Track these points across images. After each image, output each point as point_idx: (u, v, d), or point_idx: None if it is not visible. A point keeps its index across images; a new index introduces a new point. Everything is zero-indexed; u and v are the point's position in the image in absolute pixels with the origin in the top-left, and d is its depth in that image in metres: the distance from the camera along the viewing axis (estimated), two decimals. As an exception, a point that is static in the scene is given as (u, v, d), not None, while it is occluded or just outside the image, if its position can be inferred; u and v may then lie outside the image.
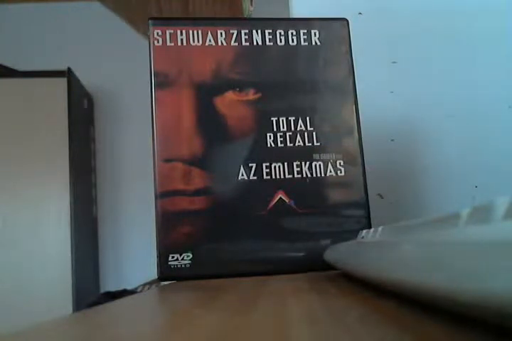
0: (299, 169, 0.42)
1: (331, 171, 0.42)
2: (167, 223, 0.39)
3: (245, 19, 0.60)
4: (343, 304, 0.19)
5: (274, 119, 0.42)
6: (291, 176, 0.41)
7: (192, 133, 0.41)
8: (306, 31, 0.44)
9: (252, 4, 1.17)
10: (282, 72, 0.43)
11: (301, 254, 0.40)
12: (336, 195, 0.42)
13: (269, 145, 0.42)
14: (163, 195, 0.40)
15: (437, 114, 0.61)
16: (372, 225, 0.42)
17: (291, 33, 0.44)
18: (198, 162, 0.41)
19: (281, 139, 0.42)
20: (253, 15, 1.20)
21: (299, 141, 0.42)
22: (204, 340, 0.13)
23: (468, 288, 0.10)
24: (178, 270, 0.39)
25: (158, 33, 0.42)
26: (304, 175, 0.42)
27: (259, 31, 0.44)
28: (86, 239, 1.98)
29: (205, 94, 0.42)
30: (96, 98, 2.25)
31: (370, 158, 0.46)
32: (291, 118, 0.42)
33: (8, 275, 1.74)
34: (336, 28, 0.45)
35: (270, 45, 0.44)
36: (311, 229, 0.41)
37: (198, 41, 0.43)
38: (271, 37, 0.44)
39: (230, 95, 0.42)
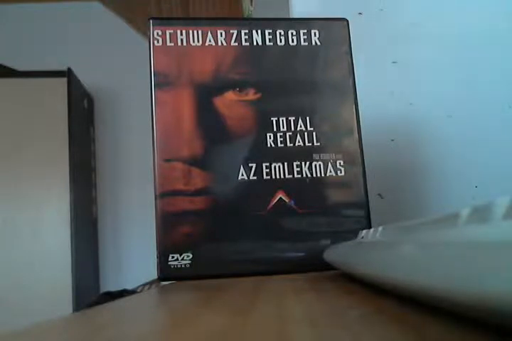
0: (299, 169, 0.42)
1: (330, 171, 0.42)
2: (167, 223, 0.39)
3: (245, 19, 0.60)
4: (343, 304, 0.19)
5: (274, 119, 0.42)
6: (291, 176, 0.41)
7: (192, 133, 0.41)
8: (306, 31, 0.44)
9: (252, 4, 1.17)
10: (282, 72, 0.43)
11: (301, 254, 0.40)
12: (336, 195, 0.42)
13: (269, 145, 0.42)
14: (163, 195, 0.40)
15: (437, 114, 0.61)
16: (372, 225, 0.42)
17: (291, 33, 0.44)
18: (198, 162, 0.41)
19: (281, 139, 0.42)
20: (253, 15, 1.20)
21: (298, 141, 0.42)
22: (204, 340, 0.13)
23: (468, 288, 0.10)
24: (178, 270, 0.39)
25: (158, 33, 0.42)
26: (304, 175, 0.42)
27: (259, 31, 0.44)
28: (86, 239, 1.98)
29: (205, 94, 0.42)
30: (96, 98, 2.25)
31: (370, 158, 0.46)
32: (291, 119, 0.42)
33: (8, 275, 1.74)
34: (336, 28, 0.45)
35: (270, 45, 0.44)
36: (311, 229, 0.41)
37: (198, 41, 0.43)
38: (271, 37, 0.44)
39: (230, 95, 0.42)
